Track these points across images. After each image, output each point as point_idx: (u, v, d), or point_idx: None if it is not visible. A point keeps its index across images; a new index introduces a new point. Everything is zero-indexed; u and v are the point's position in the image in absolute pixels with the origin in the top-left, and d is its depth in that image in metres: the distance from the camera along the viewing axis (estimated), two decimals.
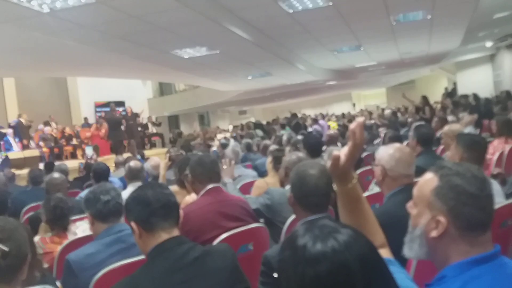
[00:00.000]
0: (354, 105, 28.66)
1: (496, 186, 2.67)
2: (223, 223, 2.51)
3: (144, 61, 9.42)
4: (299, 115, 16.25)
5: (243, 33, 7.40)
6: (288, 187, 2.94)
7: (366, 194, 2.93)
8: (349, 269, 0.84)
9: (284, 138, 7.14)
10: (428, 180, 1.24)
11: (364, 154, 5.51)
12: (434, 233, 1.20)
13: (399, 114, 12.31)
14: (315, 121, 13.37)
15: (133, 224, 1.70)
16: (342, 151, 1.33)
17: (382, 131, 8.53)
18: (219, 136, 13.28)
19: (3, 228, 1.32)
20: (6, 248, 1.28)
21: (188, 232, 1.80)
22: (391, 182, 2.23)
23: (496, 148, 4.63)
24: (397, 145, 2.40)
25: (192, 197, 2.92)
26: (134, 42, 7.57)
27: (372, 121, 11.57)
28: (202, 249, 1.70)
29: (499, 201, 2.41)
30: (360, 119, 1.34)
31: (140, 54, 8.60)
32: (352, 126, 1.32)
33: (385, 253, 1.31)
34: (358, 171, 4.12)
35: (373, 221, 1.39)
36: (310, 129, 11.42)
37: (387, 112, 14.13)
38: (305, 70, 11.97)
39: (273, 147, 5.56)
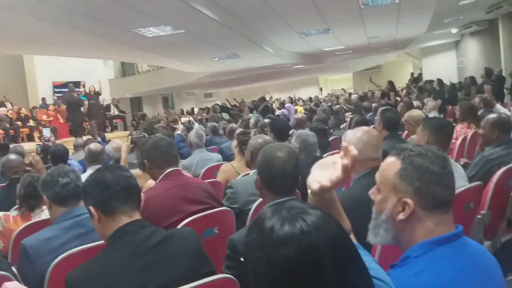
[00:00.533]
0: (321, 89, 28.92)
1: (460, 169, 2.71)
2: (185, 207, 2.43)
3: (105, 39, 9.11)
4: (267, 99, 16.24)
5: (210, 13, 7.24)
6: (253, 171, 2.90)
7: None
8: (318, 251, 0.82)
9: (252, 121, 7.10)
10: (391, 164, 1.24)
11: (331, 137, 5.54)
12: (401, 216, 1.20)
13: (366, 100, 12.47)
14: (282, 104, 13.39)
15: (91, 208, 1.63)
16: (328, 177, 1.16)
17: (348, 115, 8.61)
18: (184, 119, 13.11)
19: None
20: None
21: (148, 219, 1.73)
22: (358, 165, 2.21)
23: (459, 133, 4.74)
24: (365, 128, 2.39)
25: (154, 181, 2.83)
26: (95, 19, 7.28)
27: (338, 106, 11.67)
28: (165, 232, 1.65)
29: (464, 184, 2.44)
30: (353, 152, 1.14)
31: (102, 32, 8.30)
32: (345, 160, 1.15)
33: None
34: (325, 155, 4.12)
35: (339, 206, 1.36)
36: (277, 113, 11.43)
37: (354, 96, 14.30)
38: (273, 52, 11.91)
39: (239, 130, 5.50)
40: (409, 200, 1.19)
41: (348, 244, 0.88)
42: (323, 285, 0.82)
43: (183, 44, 10.22)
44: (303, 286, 0.82)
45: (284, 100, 15.47)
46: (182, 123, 11.63)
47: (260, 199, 2.38)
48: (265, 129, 5.20)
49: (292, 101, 15.79)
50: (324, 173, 1.18)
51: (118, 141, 4.76)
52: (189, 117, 13.88)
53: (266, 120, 6.25)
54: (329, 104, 14.43)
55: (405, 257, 1.20)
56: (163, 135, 3.06)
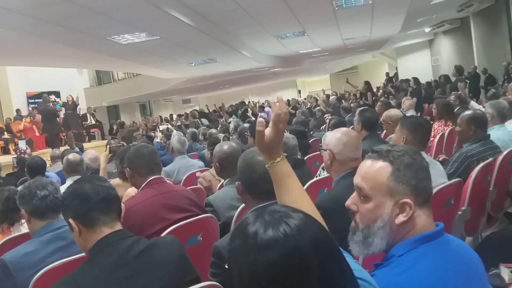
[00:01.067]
0: (299, 92, 29.07)
1: (439, 167, 2.75)
2: (168, 215, 2.41)
3: (79, 48, 8.99)
4: (246, 102, 16.25)
5: (184, 18, 7.21)
6: (226, 181, 2.86)
7: (314, 179, 2.94)
8: (303, 253, 0.82)
9: (232, 126, 7.09)
10: (380, 169, 1.23)
11: (311, 139, 5.56)
12: (402, 218, 1.20)
13: (343, 101, 12.57)
14: (262, 108, 13.41)
15: (71, 221, 1.60)
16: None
17: (328, 117, 8.67)
18: (162, 127, 13.01)
19: None
20: None
21: (130, 228, 1.70)
22: (339, 166, 2.24)
23: (436, 131, 4.81)
24: (344, 129, 2.41)
25: (134, 190, 2.79)
26: (67, 27, 7.18)
27: (317, 108, 11.75)
28: (148, 242, 1.63)
29: (443, 181, 2.48)
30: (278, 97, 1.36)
31: (75, 40, 8.19)
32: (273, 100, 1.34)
33: None
34: (306, 157, 4.13)
35: (308, 200, 1.37)
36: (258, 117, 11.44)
37: (332, 98, 14.40)
38: (250, 56, 11.93)
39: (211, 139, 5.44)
40: (409, 200, 1.19)
41: (331, 245, 0.88)
42: (309, 287, 0.82)
43: (159, 50, 10.16)
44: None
45: (263, 104, 15.48)
46: (160, 130, 11.54)
47: (242, 205, 2.36)
48: (246, 133, 5.19)
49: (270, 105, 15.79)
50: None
51: (93, 151, 4.69)
52: (167, 124, 13.78)
53: (246, 125, 6.24)
54: (308, 106, 14.51)
55: (389, 256, 1.21)
56: (145, 143, 3.02)
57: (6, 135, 13.31)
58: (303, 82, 30.73)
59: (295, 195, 1.33)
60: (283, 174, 1.34)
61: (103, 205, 1.60)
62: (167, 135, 8.06)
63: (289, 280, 0.81)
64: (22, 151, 8.52)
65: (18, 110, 15.20)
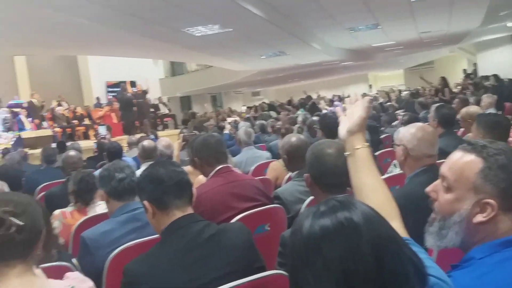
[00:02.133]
0: (370, 86, 28.33)
1: None
2: (236, 204, 2.45)
3: (155, 39, 9.34)
4: (314, 97, 16.10)
5: (257, 11, 7.26)
6: (290, 174, 2.84)
7: (385, 176, 2.86)
8: (361, 251, 0.81)
9: (299, 119, 7.06)
10: (470, 162, 1.16)
11: (383, 135, 5.41)
12: (480, 218, 1.13)
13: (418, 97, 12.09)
14: (331, 102, 13.25)
15: (146, 203, 1.67)
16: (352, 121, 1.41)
17: (400, 113, 8.38)
18: (229, 119, 13.26)
19: (17, 203, 1.30)
20: (20, 222, 1.25)
21: (200, 215, 1.77)
22: (413, 162, 2.15)
23: None
24: (419, 124, 2.32)
25: (205, 177, 2.87)
26: (144, 19, 7.48)
27: (389, 103, 11.41)
28: (217, 227, 1.68)
29: None
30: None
31: (151, 32, 8.52)
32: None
33: (398, 226, 1.24)
34: (377, 153, 4.03)
35: (387, 188, 1.33)
36: (324, 111, 11.34)
37: (405, 93, 13.90)
38: (321, 49, 11.79)
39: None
40: (492, 202, 1.12)
41: (393, 241, 0.86)
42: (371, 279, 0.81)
43: (231, 43, 10.31)
44: (353, 280, 0.81)
45: (333, 98, 15.28)
46: (229, 122, 11.78)
47: (310, 198, 2.35)
48: (314, 126, 5.15)
49: (341, 99, 15.59)
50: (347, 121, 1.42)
51: (167, 139, 4.88)
52: (235, 117, 14.02)
53: (315, 118, 6.20)
54: (380, 101, 14.12)
55: (468, 258, 1.14)
56: (211, 133, 3.10)
57: (86, 122, 14.14)
58: (375, 76, 29.86)
59: (376, 180, 1.32)
60: (364, 160, 1.35)
61: (176, 189, 1.66)
62: (235, 126, 8.21)
63: (352, 271, 0.81)
64: (102, 136, 9.06)
65: (98, 98, 16.10)
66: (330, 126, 4.33)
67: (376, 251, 0.81)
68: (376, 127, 4.93)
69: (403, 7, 8.80)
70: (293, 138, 3.01)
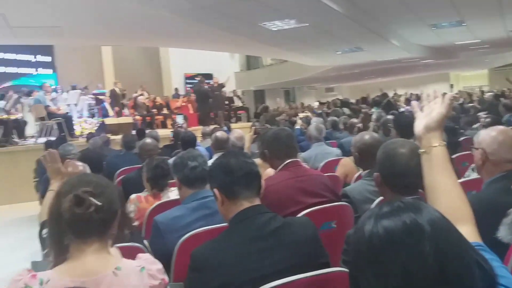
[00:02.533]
0: (451, 86, 26.91)
1: None
2: (303, 198, 2.45)
3: (232, 33, 9.51)
4: (390, 95, 15.60)
5: (334, 5, 7.17)
6: (361, 172, 2.76)
7: (461, 180, 2.73)
8: (424, 252, 0.78)
9: (374, 117, 6.89)
10: None
11: (462, 138, 5.14)
12: None
13: (502, 99, 11.32)
14: (408, 101, 12.78)
15: (215, 191, 1.72)
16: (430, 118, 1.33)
17: (482, 115, 7.89)
18: (301, 114, 13.19)
19: (96, 184, 1.38)
20: (99, 203, 1.33)
21: (267, 206, 1.79)
22: (492, 167, 2.04)
23: None
24: (500, 127, 2.18)
25: (273, 170, 2.90)
26: (223, 13, 7.65)
27: (471, 104, 10.79)
28: (283, 220, 1.69)
29: None
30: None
31: (229, 25, 8.69)
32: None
33: (470, 231, 1.18)
34: (454, 156, 3.84)
35: (461, 190, 1.26)
36: (402, 109, 10.97)
37: (489, 95, 13.07)
38: (400, 46, 11.40)
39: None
40: None
41: (462, 247, 0.83)
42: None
43: (307, 37, 10.26)
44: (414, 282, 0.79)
45: (410, 96, 14.72)
46: (300, 118, 11.73)
47: (380, 198, 2.30)
48: (388, 125, 5.00)
49: (419, 98, 14.98)
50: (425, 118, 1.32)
51: (239, 131, 4.98)
52: (307, 112, 13.93)
53: (390, 116, 6.01)
54: (460, 101, 13.39)
55: None
56: (283, 127, 3.11)
57: (165, 111, 14.73)
58: (457, 76, 28.28)
59: (451, 181, 1.25)
60: (440, 159, 1.28)
61: (245, 179, 1.69)
62: (307, 122, 8.17)
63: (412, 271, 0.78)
64: (180, 125, 9.42)
65: (176, 89, 16.73)
66: (405, 125, 4.18)
67: (439, 256, 0.79)
68: (455, 128, 4.68)
69: (491, 4, 8.27)
70: (366, 135, 2.95)
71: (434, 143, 1.28)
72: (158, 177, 3.00)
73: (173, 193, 3.01)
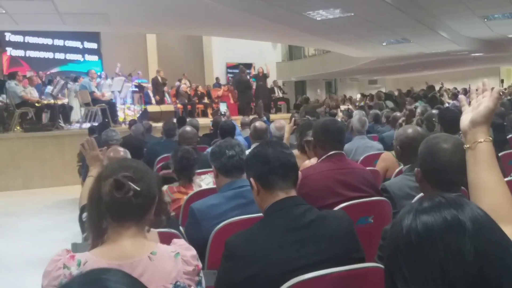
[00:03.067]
0: (502, 81, 25.81)
1: None
2: (342, 191, 2.42)
3: (275, 22, 9.46)
4: (437, 88, 15.12)
5: None
6: (402, 167, 2.68)
7: (507, 178, 2.61)
8: (464, 252, 0.76)
9: (418, 111, 6.69)
10: None
11: (510, 135, 4.93)
12: None
13: None
14: (455, 95, 12.36)
15: (252, 180, 1.72)
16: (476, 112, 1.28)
17: None
18: (343, 107, 12.99)
19: (136, 170, 1.41)
20: (138, 188, 1.36)
21: (304, 196, 1.77)
22: None
23: None
24: None
25: (311, 162, 2.87)
26: (267, 1, 7.61)
27: None
28: (319, 212, 1.67)
29: None
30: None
31: (273, 14, 8.63)
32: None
33: None
34: (501, 154, 3.68)
35: (507, 189, 1.20)
36: (447, 104, 10.62)
37: None
38: (449, 38, 11.01)
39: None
40: None
41: (504, 247, 0.79)
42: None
43: (351, 28, 10.07)
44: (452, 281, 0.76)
45: (458, 91, 14.21)
46: (341, 110, 11.56)
47: (420, 194, 2.24)
48: (433, 119, 4.85)
49: (466, 92, 14.43)
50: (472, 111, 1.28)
51: (282, 120, 4.97)
52: (348, 105, 13.71)
53: (434, 111, 5.82)
54: (510, 97, 12.81)
55: None
56: (334, 118, 3.04)
57: (206, 100, 14.89)
58: (508, 70, 27.06)
59: (496, 179, 1.20)
60: (486, 155, 1.23)
61: (282, 170, 1.68)
62: (348, 114, 8.05)
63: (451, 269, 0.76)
64: (223, 113, 9.50)
65: (217, 78, 16.86)
66: (450, 121, 4.05)
67: (480, 256, 0.76)
68: (502, 125, 4.48)
69: None
70: (409, 129, 2.86)
71: (480, 139, 1.23)
72: (184, 168, 3.02)
73: (203, 182, 3.04)
